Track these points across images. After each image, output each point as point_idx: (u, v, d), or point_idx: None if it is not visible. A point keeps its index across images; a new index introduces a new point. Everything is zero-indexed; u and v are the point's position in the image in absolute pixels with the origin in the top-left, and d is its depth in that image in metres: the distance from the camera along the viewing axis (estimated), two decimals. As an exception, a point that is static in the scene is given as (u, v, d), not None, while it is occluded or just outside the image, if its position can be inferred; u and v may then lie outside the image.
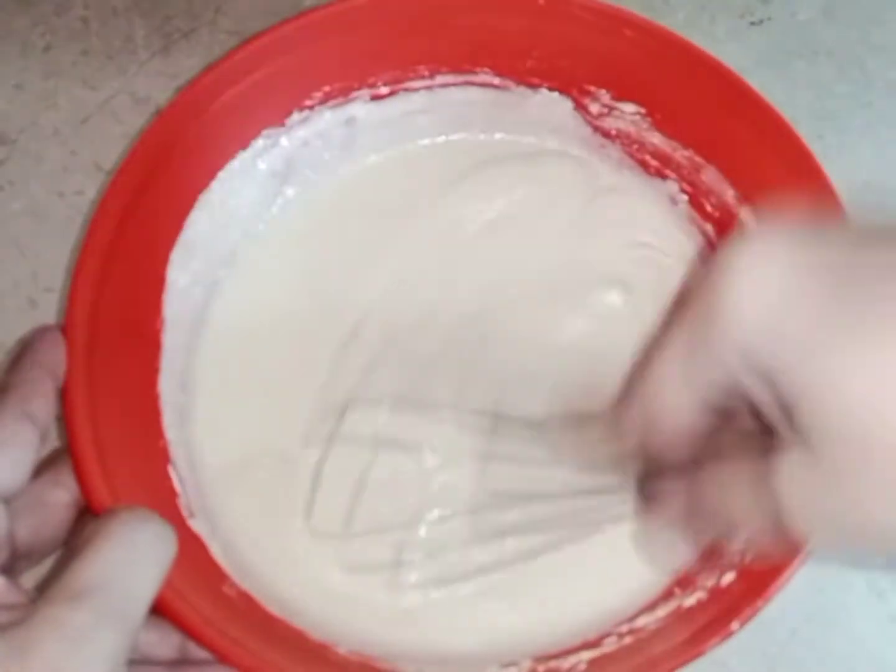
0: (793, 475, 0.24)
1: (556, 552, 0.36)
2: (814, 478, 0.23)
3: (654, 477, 0.32)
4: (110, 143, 0.44)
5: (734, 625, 0.31)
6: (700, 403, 0.27)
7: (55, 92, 0.46)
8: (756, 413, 0.26)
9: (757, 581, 0.32)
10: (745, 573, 0.33)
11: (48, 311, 0.41)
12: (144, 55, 0.46)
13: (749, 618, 0.31)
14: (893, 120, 0.46)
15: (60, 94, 0.45)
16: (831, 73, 0.47)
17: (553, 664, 0.34)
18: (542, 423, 0.37)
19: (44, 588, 0.25)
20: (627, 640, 0.34)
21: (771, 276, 0.23)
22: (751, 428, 0.28)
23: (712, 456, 0.29)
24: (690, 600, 0.34)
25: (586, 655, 0.34)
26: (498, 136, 0.43)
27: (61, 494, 0.31)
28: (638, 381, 0.29)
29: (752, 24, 0.48)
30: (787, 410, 0.24)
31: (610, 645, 0.34)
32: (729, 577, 0.34)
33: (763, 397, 0.25)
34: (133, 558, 0.26)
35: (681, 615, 0.34)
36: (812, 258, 0.24)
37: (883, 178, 0.45)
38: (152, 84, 0.46)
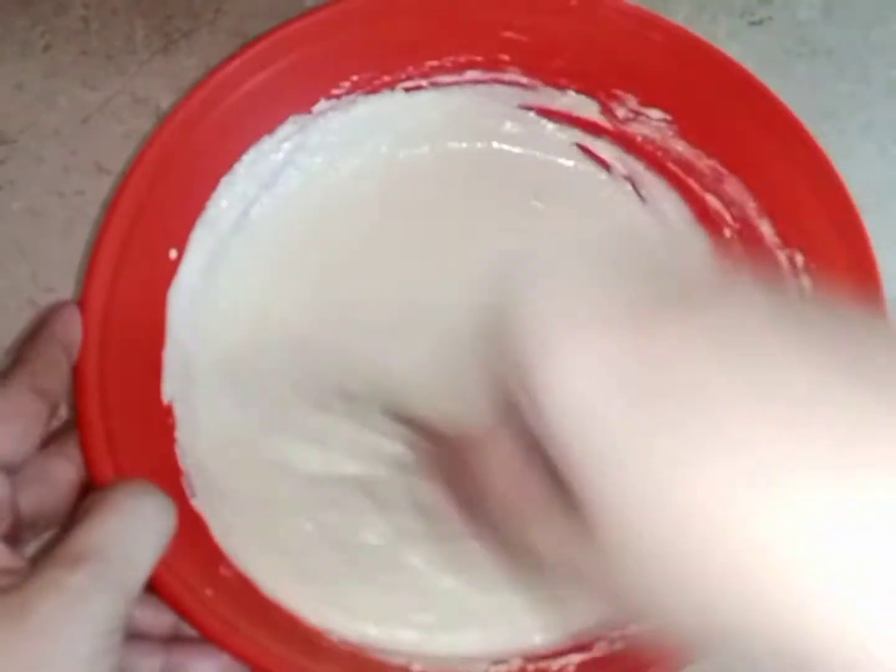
0: (564, 524, 0.25)
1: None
2: (576, 533, 0.24)
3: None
4: (110, 143, 0.44)
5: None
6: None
7: (55, 92, 0.45)
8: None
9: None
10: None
11: (48, 311, 0.41)
12: (144, 55, 0.46)
13: None
14: (893, 120, 0.46)
15: (60, 94, 0.45)
16: (831, 73, 0.47)
17: (543, 664, 0.34)
18: None
19: (44, 554, 0.25)
20: (619, 645, 0.34)
21: (590, 365, 0.23)
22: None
23: None
24: (687, 610, 0.34)
25: (576, 658, 0.34)
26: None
27: (67, 467, 0.31)
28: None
29: (752, 23, 0.47)
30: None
31: (601, 649, 0.34)
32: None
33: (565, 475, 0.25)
34: (134, 527, 0.27)
35: (674, 623, 0.34)
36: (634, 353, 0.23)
37: (883, 178, 0.45)
38: (152, 84, 0.45)
